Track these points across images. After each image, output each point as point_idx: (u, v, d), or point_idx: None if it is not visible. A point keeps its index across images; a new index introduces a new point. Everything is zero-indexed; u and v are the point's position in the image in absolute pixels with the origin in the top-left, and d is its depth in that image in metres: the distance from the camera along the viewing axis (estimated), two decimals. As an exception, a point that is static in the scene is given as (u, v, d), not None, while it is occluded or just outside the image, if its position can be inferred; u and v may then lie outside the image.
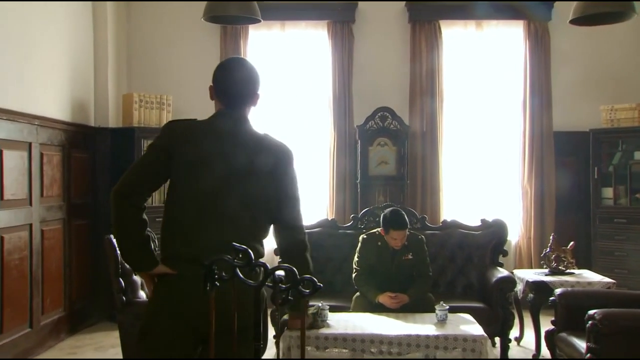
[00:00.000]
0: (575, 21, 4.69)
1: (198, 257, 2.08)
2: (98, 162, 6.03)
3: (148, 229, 2.38)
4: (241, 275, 1.63)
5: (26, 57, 4.97)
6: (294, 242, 2.54)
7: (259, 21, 4.41)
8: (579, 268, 5.18)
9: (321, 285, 1.59)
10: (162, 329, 2.26)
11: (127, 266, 3.83)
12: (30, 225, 4.89)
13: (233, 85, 2.47)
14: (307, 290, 1.60)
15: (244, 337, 2.05)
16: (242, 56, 6.42)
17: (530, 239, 6.47)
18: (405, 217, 4.52)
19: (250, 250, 1.81)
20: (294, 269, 1.64)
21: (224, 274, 1.65)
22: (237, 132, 2.43)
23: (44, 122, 5.11)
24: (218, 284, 1.69)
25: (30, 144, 4.91)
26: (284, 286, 1.60)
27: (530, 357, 4.82)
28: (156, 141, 2.43)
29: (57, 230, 5.31)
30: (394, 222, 4.42)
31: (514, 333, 5.15)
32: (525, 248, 6.50)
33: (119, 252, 2.91)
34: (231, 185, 2.36)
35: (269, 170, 2.42)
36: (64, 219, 5.42)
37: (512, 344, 5.07)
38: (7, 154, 4.57)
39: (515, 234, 6.56)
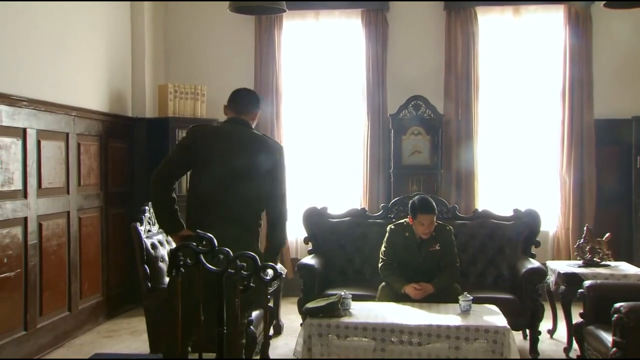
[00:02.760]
0: (611, 4, 4.55)
1: (207, 225, 3.01)
2: (135, 152, 6.18)
3: (176, 205, 3.27)
4: (205, 262, 1.67)
5: (64, 50, 5.13)
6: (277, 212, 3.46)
7: (284, 11, 4.43)
8: (617, 260, 5.04)
9: (282, 273, 1.62)
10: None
11: (153, 253, 3.94)
12: (68, 212, 5.07)
13: (241, 99, 3.49)
14: (268, 277, 1.63)
15: None
16: (275, 47, 6.51)
17: (568, 230, 6.30)
18: (433, 203, 4.50)
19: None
20: (256, 256, 1.68)
21: (189, 260, 1.70)
22: (241, 131, 3.39)
23: (81, 113, 5.27)
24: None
25: (67, 134, 5.08)
26: (245, 273, 1.64)
27: (562, 351, 4.71)
28: (182, 141, 3.50)
29: (94, 218, 5.49)
30: (422, 206, 4.42)
31: (547, 326, 5.07)
32: (564, 239, 6.34)
33: (155, 220, 3.80)
34: (234, 171, 3.28)
35: (261, 160, 3.35)
36: (101, 207, 5.60)
37: (545, 337, 4.99)
38: (44, 144, 4.74)
39: (553, 225, 6.41)
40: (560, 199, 6.37)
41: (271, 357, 4.53)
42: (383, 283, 4.52)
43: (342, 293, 4.01)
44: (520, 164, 6.52)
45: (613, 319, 3.38)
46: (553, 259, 6.19)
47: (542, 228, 6.08)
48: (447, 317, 3.85)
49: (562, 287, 4.66)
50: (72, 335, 5.11)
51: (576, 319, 4.19)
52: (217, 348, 1.78)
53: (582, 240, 4.92)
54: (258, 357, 4.37)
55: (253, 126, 3.51)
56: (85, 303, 5.34)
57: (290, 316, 5.41)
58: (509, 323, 4.22)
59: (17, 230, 4.42)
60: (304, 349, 3.77)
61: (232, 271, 1.62)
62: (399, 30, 6.56)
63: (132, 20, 6.29)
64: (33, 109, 4.59)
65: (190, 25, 6.81)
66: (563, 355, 4.63)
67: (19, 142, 4.45)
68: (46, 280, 4.76)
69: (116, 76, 6.01)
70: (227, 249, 1.86)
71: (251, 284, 1.67)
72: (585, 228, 4.99)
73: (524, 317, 4.52)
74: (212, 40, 6.78)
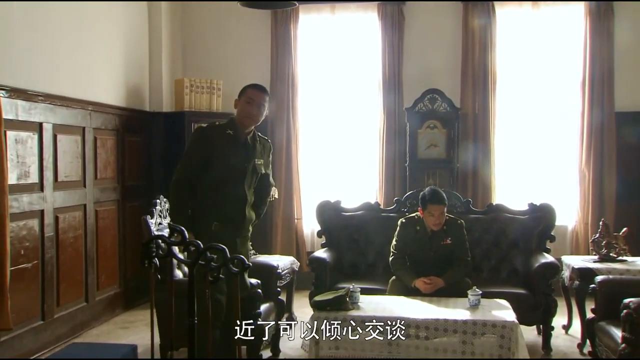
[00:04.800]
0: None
1: None
2: (152, 146, 6.25)
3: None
4: (177, 254, 1.69)
5: (81, 46, 5.21)
6: None
7: (295, 5, 4.43)
8: (636, 256, 4.95)
9: (250, 264, 1.64)
10: None
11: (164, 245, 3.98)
12: (85, 205, 5.15)
13: None
14: (236, 269, 1.65)
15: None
16: (291, 41, 6.54)
17: (587, 225, 6.20)
18: (444, 194, 4.48)
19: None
20: (225, 248, 1.69)
21: (161, 251, 1.73)
22: None
23: (97, 107, 5.35)
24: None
25: (84, 128, 5.16)
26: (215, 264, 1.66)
27: (576, 347, 4.64)
28: None
29: (111, 211, 5.57)
30: (432, 197, 4.41)
31: (562, 321, 5.02)
32: (582, 234, 6.25)
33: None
34: None
35: None
36: (118, 200, 5.68)
37: (560, 332, 4.94)
38: (61, 138, 4.83)
39: (572, 220, 6.33)
40: (579, 193, 6.28)
41: (282, 349, 4.57)
42: (393, 277, 4.52)
43: (351, 286, 4.01)
44: (539, 158, 6.44)
45: (622, 314, 3.33)
46: (572, 254, 6.11)
47: (561, 223, 6.06)
48: (455, 311, 3.83)
49: (576, 282, 4.60)
50: (90, 325, 5.21)
51: (590, 314, 4.13)
52: (187, 339, 1.81)
53: (597, 235, 4.85)
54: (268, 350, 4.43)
55: (243, 115, 3.73)
56: (102, 294, 5.43)
57: (304, 309, 5.43)
58: (521, 318, 4.20)
59: (34, 223, 4.52)
60: (312, 341, 3.79)
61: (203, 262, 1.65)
62: (416, 23, 6.51)
63: (150, 15, 6.35)
64: (49, 103, 4.68)
65: (206, 20, 6.85)
66: (577, 351, 4.57)
67: (35, 136, 4.54)
68: (63, 272, 4.85)
69: (133, 71, 6.08)
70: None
71: (221, 275, 1.69)
72: (601, 222, 4.92)
73: (537, 312, 4.47)
74: (229, 34, 6.81)
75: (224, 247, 1.72)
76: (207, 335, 2.04)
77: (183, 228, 1.83)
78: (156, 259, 2.36)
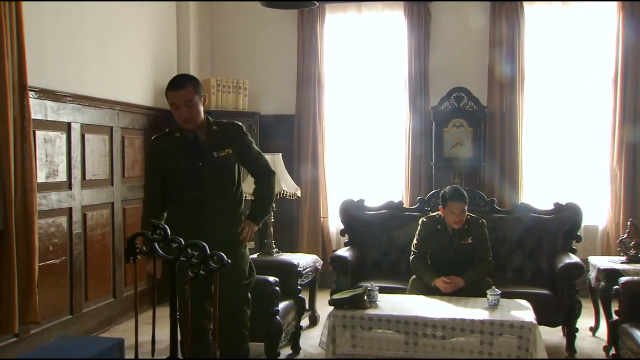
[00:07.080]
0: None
1: None
2: (180, 145, 6.34)
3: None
4: (159, 250, 1.73)
5: (109, 47, 5.32)
6: None
7: (315, 5, 4.45)
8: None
9: (229, 261, 1.66)
10: None
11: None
12: (112, 203, 5.27)
13: None
14: (216, 265, 1.67)
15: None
16: (317, 40, 6.56)
17: (618, 225, 6.04)
18: (464, 192, 4.45)
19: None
20: (205, 245, 1.72)
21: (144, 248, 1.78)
22: None
23: (125, 107, 5.46)
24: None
25: (111, 128, 5.27)
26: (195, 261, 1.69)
27: (602, 349, 4.55)
28: None
29: (138, 209, 5.64)
30: (452, 194, 4.40)
31: (589, 323, 4.93)
32: (613, 234, 6.09)
33: None
34: None
35: None
36: (145, 198, 5.79)
37: (587, 335, 4.86)
38: (89, 137, 4.95)
39: (603, 219, 6.19)
40: (610, 192, 6.14)
41: (302, 347, 4.60)
42: (414, 276, 4.51)
43: (369, 285, 4.02)
44: (568, 157, 6.32)
45: (643, 316, 3.26)
46: (602, 254, 5.99)
47: (591, 222, 5.97)
48: (473, 311, 3.80)
49: (602, 283, 4.51)
50: (117, 321, 5.33)
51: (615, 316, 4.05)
52: (170, 333, 1.85)
53: (625, 236, 4.74)
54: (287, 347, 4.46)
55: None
56: (130, 290, 5.53)
57: (327, 307, 5.44)
58: (545, 319, 4.16)
59: (62, 220, 4.64)
60: (329, 339, 3.81)
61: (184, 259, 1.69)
62: (442, 22, 6.46)
63: (178, 16, 6.45)
64: (77, 104, 4.80)
65: (234, 20, 6.92)
66: (602, 354, 4.47)
67: (64, 136, 4.66)
68: (91, 268, 4.98)
69: (161, 71, 6.18)
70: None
71: (201, 272, 1.72)
72: (629, 222, 4.80)
73: (561, 313, 4.40)
74: (255, 34, 6.87)
75: (204, 244, 1.75)
76: (187, 329, 2.09)
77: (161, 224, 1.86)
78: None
